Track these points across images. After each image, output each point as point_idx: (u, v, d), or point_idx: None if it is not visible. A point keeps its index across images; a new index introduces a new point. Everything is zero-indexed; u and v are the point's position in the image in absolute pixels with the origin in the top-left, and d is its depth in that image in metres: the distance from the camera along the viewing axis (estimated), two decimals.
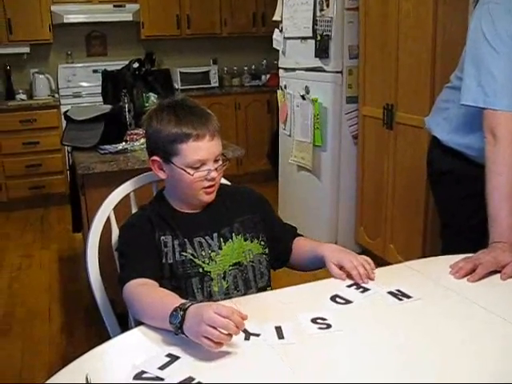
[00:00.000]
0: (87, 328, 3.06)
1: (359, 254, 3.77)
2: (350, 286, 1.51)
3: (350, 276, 1.54)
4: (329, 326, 1.28)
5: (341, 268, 1.55)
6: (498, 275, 1.55)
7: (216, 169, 1.57)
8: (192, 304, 1.24)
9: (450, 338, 1.25)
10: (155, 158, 1.60)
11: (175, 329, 1.22)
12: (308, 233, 4.13)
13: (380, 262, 3.23)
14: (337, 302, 1.43)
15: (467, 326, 1.31)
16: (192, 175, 1.54)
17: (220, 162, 1.59)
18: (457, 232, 2.18)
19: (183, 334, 1.21)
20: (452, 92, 2.08)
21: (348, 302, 1.43)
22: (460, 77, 1.96)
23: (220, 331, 1.16)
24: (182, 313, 1.22)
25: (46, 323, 3.21)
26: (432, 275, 1.58)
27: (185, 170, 1.54)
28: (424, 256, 2.85)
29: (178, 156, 1.54)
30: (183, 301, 1.27)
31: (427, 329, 1.30)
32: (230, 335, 1.17)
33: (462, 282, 1.53)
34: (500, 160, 1.74)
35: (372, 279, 1.52)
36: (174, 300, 1.29)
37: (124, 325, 1.65)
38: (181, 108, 1.57)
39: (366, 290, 1.49)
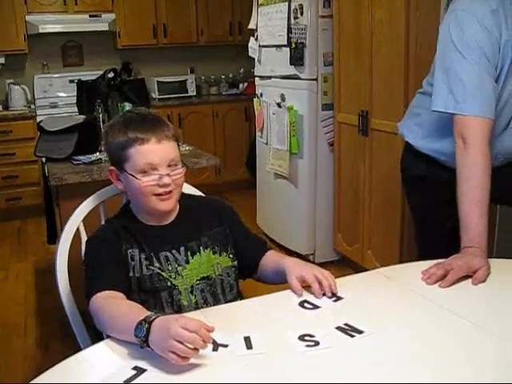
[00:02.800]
0: (63, 341, 3.02)
1: (337, 260, 3.78)
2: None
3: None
4: (317, 344, 1.26)
5: (303, 282, 1.52)
6: (470, 280, 1.55)
7: (169, 174, 1.53)
8: (157, 316, 1.22)
9: (420, 344, 1.25)
10: (112, 168, 1.60)
11: (140, 342, 1.20)
12: (286, 241, 4.17)
13: (358, 269, 3.25)
14: (305, 308, 1.43)
15: (438, 332, 1.30)
16: (139, 180, 1.51)
17: (178, 169, 1.56)
18: (431, 237, 2.18)
19: (149, 347, 1.19)
20: (424, 98, 2.09)
21: (316, 307, 1.43)
22: (431, 83, 1.97)
23: (187, 346, 1.14)
24: (146, 326, 1.20)
25: (21, 336, 3.17)
26: (404, 281, 1.58)
27: (134, 176, 1.52)
28: (401, 261, 2.85)
29: (128, 162, 1.53)
30: (148, 313, 1.25)
31: (397, 335, 1.30)
32: (196, 350, 1.16)
33: (434, 287, 1.53)
34: (470, 165, 1.74)
35: (335, 293, 1.49)
36: (140, 313, 1.27)
37: (98, 337, 1.63)
38: (130, 118, 1.59)
39: (336, 297, 1.48)
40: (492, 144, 1.81)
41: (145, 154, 1.51)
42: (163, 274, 1.54)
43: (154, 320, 1.20)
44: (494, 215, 2.70)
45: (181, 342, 1.14)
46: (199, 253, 1.61)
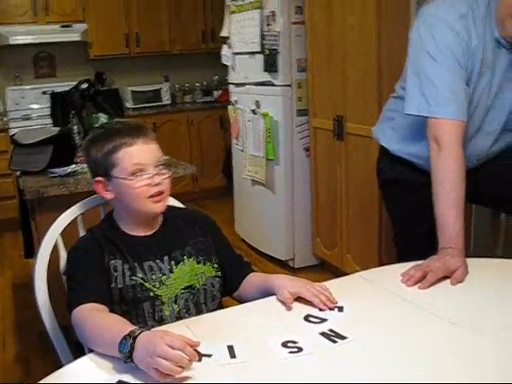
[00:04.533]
0: (43, 356, 2.99)
1: (317, 265, 3.79)
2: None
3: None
4: (300, 350, 1.26)
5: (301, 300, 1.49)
6: (448, 281, 1.57)
7: (158, 173, 1.54)
8: (142, 331, 1.21)
9: (403, 346, 1.26)
10: (98, 178, 1.58)
11: (124, 358, 1.19)
12: (265, 246, 4.18)
13: (338, 273, 3.27)
14: (311, 322, 1.41)
15: (419, 333, 1.32)
16: (132, 181, 1.52)
17: (165, 170, 1.57)
18: (409, 240, 2.20)
19: (132, 362, 1.18)
20: (397, 102, 2.11)
21: (323, 320, 1.41)
22: (404, 87, 1.99)
23: (171, 363, 1.13)
24: (131, 341, 1.19)
25: (0, 352, 3.13)
26: (383, 284, 1.59)
27: (125, 178, 1.52)
28: (381, 264, 2.88)
29: (117, 167, 1.53)
30: (133, 328, 1.24)
31: (380, 339, 1.31)
32: (181, 367, 1.15)
33: (413, 289, 1.55)
34: (444, 167, 1.76)
35: (335, 303, 1.47)
36: (124, 327, 1.26)
37: (80, 351, 1.62)
38: (111, 127, 1.61)
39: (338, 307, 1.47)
40: (465, 146, 1.84)
41: (133, 156, 1.52)
42: (146, 284, 1.53)
43: (138, 335, 1.20)
44: (469, 215, 2.74)
45: (166, 359, 1.13)
46: (183, 262, 1.60)
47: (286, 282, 1.54)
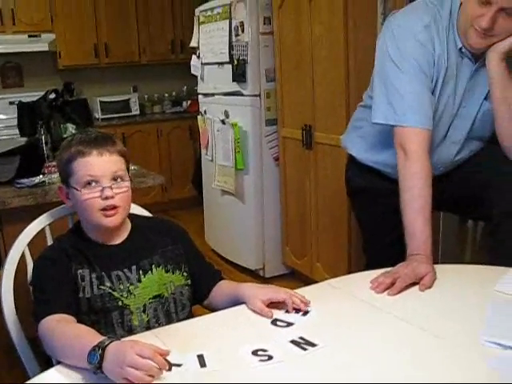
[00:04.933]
0: (9, 370, 2.92)
1: (287, 274, 3.78)
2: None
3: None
4: (270, 358, 1.26)
5: (268, 305, 1.49)
6: (417, 287, 1.59)
7: (111, 187, 1.51)
8: (111, 342, 1.20)
9: (372, 353, 1.27)
10: (60, 185, 1.60)
11: (94, 368, 1.18)
12: (235, 256, 4.17)
13: (307, 281, 3.27)
14: (278, 326, 1.42)
15: (388, 340, 1.33)
16: (80, 191, 1.51)
17: (123, 183, 1.55)
18: (377, 247, 2.22)
19: (102, 373, 1.17)
20: (365, 110, 2.14)
21: (289, 324, 1.43)
22: (371, 96, 2.02)
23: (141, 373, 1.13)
24: (100, 352, 1.18)
25: None
26: (353, 291, 1.60)
27: (76, 189, 1.51)
28: (350, 272, 2.89)
29: (72, 176, 1.53)
30: (101, 338, 1.23)
31: (349, 346, 1.31)
32: (151, 377, 1.14)
33: (382, 296, 1.56)
34: (411, 174, 1.79)
35: (307, 304, 1.49)
36: (93, 337, 1.25)
37: (48, 363, 1.59)
38: (77, 136, 1.59)
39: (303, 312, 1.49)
40: (432, 154, 1.87)
41: (86, 166, 1.51)
42: (114, 293, 1.52)
43: (107, 346, 1.19)
44: (437, 223, 2.78)
45: (135, 369, 1.13)
46: (151, 271, 1.59)
47: (256, 291, 1.54)
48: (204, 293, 1.70)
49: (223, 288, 1.70)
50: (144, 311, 1.55)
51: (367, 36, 2.86)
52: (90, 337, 1.27)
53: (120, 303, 1.52)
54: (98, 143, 1.54)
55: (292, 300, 1.47)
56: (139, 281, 1.56)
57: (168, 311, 1.60)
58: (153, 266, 1.60)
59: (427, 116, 1.83)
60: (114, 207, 1.53)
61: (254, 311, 1.49)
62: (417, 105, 1.82)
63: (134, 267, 1.57)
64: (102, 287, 1.51)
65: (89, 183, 1.51)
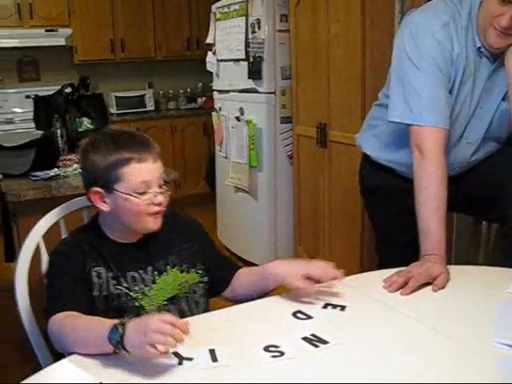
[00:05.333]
0: (23, 364, 2.94)
1: None
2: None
3: None
4: (282, 354, 1.26)
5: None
6: (430, 287, 1.58)
7: (162, 192, 1.52)
8: (130, 319, 1.22)
9: (383, 351, 1.27)
10: (96, 188, 1.52)
11: (116, 345, 1.19)
12: (248, 253, 4.17)
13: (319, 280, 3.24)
14: (298, 318, 1.44)
15: (400, 339, 1.33)
16: (137, 198, 1.48)
17: (166, 188, 1.55)
18: (391, 246, 2.21)
19: (124, 349, 1.18)
20: (380, 109, 2.13)
21: (309, 317, 1.43)
22: (387, 95, 2.01)
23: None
24: (121, 328, 1.19)
25: None
26: (366, 290, 1.60)
27: (131, 195, 1.48)
28: (362, 271, 2.88)
29: (121, 182, 1.48)
30: (120, 319, 1.24)
31: (361, 344, 1.31)
32: (176, 342, 1.17)
33: (395, 295, 1.56)
34: (426, 174, 1.78)
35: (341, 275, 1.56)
36: (106, 321, 1.26)
37: (61, 358, 1.60)
38: (118, 135, 1.54)
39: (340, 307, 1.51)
40: (447, 154, 1.86)
41: (141, 173, 1.48)
42: (131, 293, 1.51)
43: (127, 322, 1.21)
44: (451, 224, 2.76)
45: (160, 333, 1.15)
46: (166, 272, 1.57)
47: (289, 269, 1.56)
48: (223, 285, 1.70)
49: (244, 275, 1.70)
50: (159, 313, 1.53)
51: (384, 35, 2.85)
52: (103, 321, 1.28)
53: (136, 303, 1.51)
54: (149, 148, 1.51)
55: (323, 280, 1.52)
56: (154, 282, 1.55)
57: (181, 310, 1.58)
58: (168, 267, 1.58)
59: (444, 115, 1.82)
60: (159, 212, 1.54)
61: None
62: (433, 104, 1.81)
63: (149, 268, 1.56)
64: (119, 287, 1.50)
65: (142, 189, 1.49)
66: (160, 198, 1.51)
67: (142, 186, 1.49)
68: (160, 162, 1.54)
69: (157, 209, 1.51)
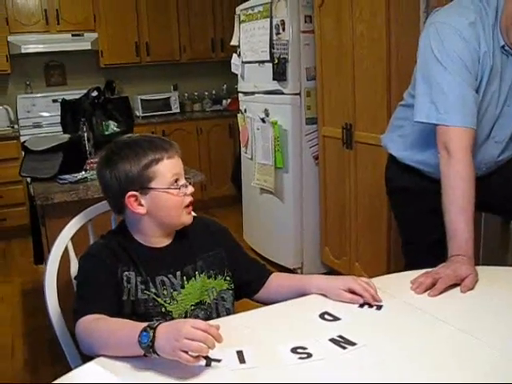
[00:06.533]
0: (52, 363, 2.99)
1: (325, 273, 3.79)
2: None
3: None
4: (309, 356, 1.26)
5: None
6: (458, 288, 1.57)
7: (190, 183, 1.58)
8: (160, 323, 1.22)
9: (411, 353, 1.26)
10: (131, 192, 1.52)
11: (146, 349, 1.20)
12: (274, 255, 4.17)
13: None
14: (325, 319, 1.44)
15: (428, 340, 1.32)
16: (179, 189, 1.53)
17: (189, 180, 1.60)
18: (418, 248, 2.19)
19: (154, 353, 1.19)
20: (406, 110, 2.12)
21: (336, 318, 1.43)
22: (413, 94, 1.99)
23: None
24: (152, 332, 1.20)
25: (8, 359, 3.14)
26: (393, 291, 1.59)
27: (169, 188, 1.52)
28: (389, 272, 2.87)
29: (156, 179, 1.51)
30: (148, 323, 1.24)
31: (389, 346, 1.31)
32: (208, 348, 1.18)
33: (423, 296, 1.55)
34: (454, 174, 1.76)
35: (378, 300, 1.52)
36: (135, 324, 1.27)
37: (89, 358, 1.62)
38: (141, 140, 1.57)
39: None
40: (475, 153, 1.84)
41: (173, 167, 1.54)
42: (158, 299, 1.51)
43: (157, 326, 1.21)
44: (479, 224, 2.73)
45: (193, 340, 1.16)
46: (194, 277, 1.58)
47: (335, 283, 1.57)
48: (255, 287, 1.70)
49: (281, 280, 1.71)
50: (185, 317, 1.54)
51: (409, 34, 2.83)
52: (132, 324, 1.29)
53: (163, 309, 1.52)
54: (171, 145, 1.57)
55: (364, 295, 1.51)
56: (182, 287, 1.56)
57: (210, 317, 1.58)
58: (196, 272, 1.59)
59: (471, 115, 1.80)
60: (192, 203, 1.59)
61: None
62: (460, 103, 1.79)
63: (178, 273, 1.56)
64: (147, 292, 1.51)
65: (176, 181, 1.54)
66: (191, 189, 1.57)
67: (175, 177, 1.54)
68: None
69: (190, 199, 1.57)
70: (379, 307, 1.49)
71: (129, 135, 1.66)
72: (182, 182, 1.55)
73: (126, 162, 1.51)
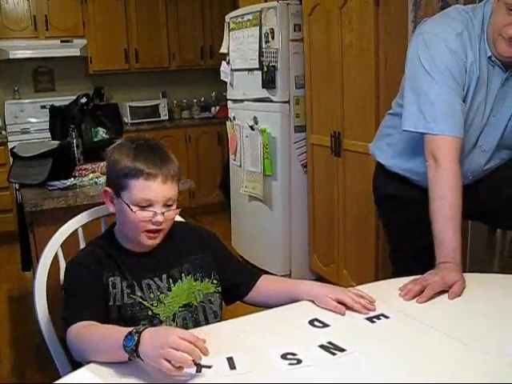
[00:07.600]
0: (40, 369, 2.98)
1: (314, 280, 3.79)
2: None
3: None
4: (299, 362, 1.27)
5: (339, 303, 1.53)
6: (446, 295, 1.58)
7: (163, 213, 1.50)
8: (146, 327, 1.23)
9: (399, 359, 1.27)
10: (107, 188, 1.56)
11: (130, 352, 1.20)
12: (262, 262, 4.18)
13: None
14: (315, 326, 1.45)
15: (415, 345, 1.33)
16: (134, 213, 1.48)
17: (172, 208, 1.54)
18: (405, 255, 2.21)
19: (138, 357, 1.19)
20: (394, 118, 2.14)
21: (326, 325, 1.44)
22: (401, 104, 2.01)
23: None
24: (136, 336, 1.20)
25: None
26: (381, 298, 1.60)
27: (129, 206, 1.49)
28: (377, 279, 2.88)
29: (126, 191, 1.49)
30: (135, 327, 1.25)
31: (377, 352, 1.32)
32: (192, 361, 1.17)
33: (411, 303, 1.56)
34: (441, 183, 1.78)
35: (371, 309, 1.52)
36: (124, 329, 1.26)
37: (78, 365, 1.62)
38: (142, 145, 1.54)
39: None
40: (462, 162, 1.86)
41: (146, 190, 1.48)
42: (145, 302, 1.52)
43: (143, 331, 1.21)
44: (465, 232, 2.76)
45: (178, 350, 1.16)
46: (181, 280, 1.59)
47: (324, 290, 1.57)
48: (245, 290, 1.69)
49: (272, 283, 1.72)
50: (173, 320, 1.55)
51: (397, 44, 2.86)
52: (120, 329, 1.29)
53: (150, 312, 1.52)
54: (163, 166, 1.51)
55: (354, 307, 1.50)
56: (169, 289, 1.56)
57: (197, 319, 1.60)
58: (182, 274, 1.60)
59: (458, 124, 1.82)
60: (158, 230, 1.53)
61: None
62: (448, 113, 1.81)
63: (164, 276, 1.57)
64: (133, 296, 1.51)
65: (141, 205, 1.49)
66: (160, 219, 1.49)
67: (144, 202, 1.49)
68: (172, 184, 1.53)
69: (154, 227, 1.51)
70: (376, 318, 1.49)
71: (148, 138, 1.62)
72: (155, 208, 1.49)
73: (116, 157, 1.53)
